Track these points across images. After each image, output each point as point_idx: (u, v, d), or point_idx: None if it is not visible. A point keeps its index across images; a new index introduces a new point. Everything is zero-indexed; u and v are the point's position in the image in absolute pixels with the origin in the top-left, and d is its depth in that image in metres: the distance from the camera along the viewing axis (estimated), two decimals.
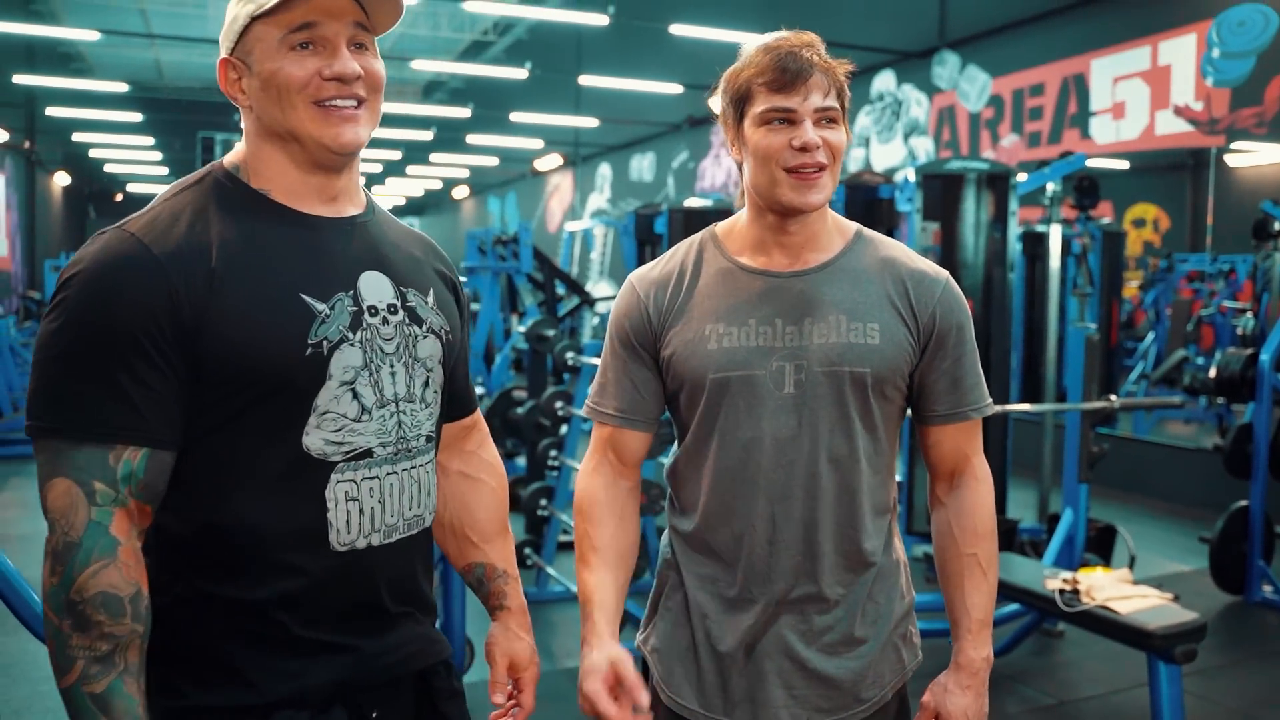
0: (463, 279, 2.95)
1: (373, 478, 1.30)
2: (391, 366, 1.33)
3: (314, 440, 1.25)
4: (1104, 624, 3.16)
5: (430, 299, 1.42)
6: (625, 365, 1.60)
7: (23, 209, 22.01)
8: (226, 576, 1.24)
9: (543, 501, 4.94)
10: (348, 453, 1.28)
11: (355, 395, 1.28)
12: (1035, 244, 6.91)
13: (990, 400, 1.59)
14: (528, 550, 5.04)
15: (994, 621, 3.86)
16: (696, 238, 1.63)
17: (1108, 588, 3.33)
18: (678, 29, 11.90)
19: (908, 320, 1.52)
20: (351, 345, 1.28)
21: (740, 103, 1.50)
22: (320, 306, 1.26)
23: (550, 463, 4.98)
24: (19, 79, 16.78)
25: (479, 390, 7.71)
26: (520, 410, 5.79)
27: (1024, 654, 4.27)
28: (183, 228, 1.23)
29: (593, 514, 1.61)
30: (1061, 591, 3.35)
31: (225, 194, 1.29)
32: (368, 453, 1.30)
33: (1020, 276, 8.19)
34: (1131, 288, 9.40)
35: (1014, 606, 3.93)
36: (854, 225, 1.60)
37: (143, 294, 1.17)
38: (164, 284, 1.18)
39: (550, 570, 4.81)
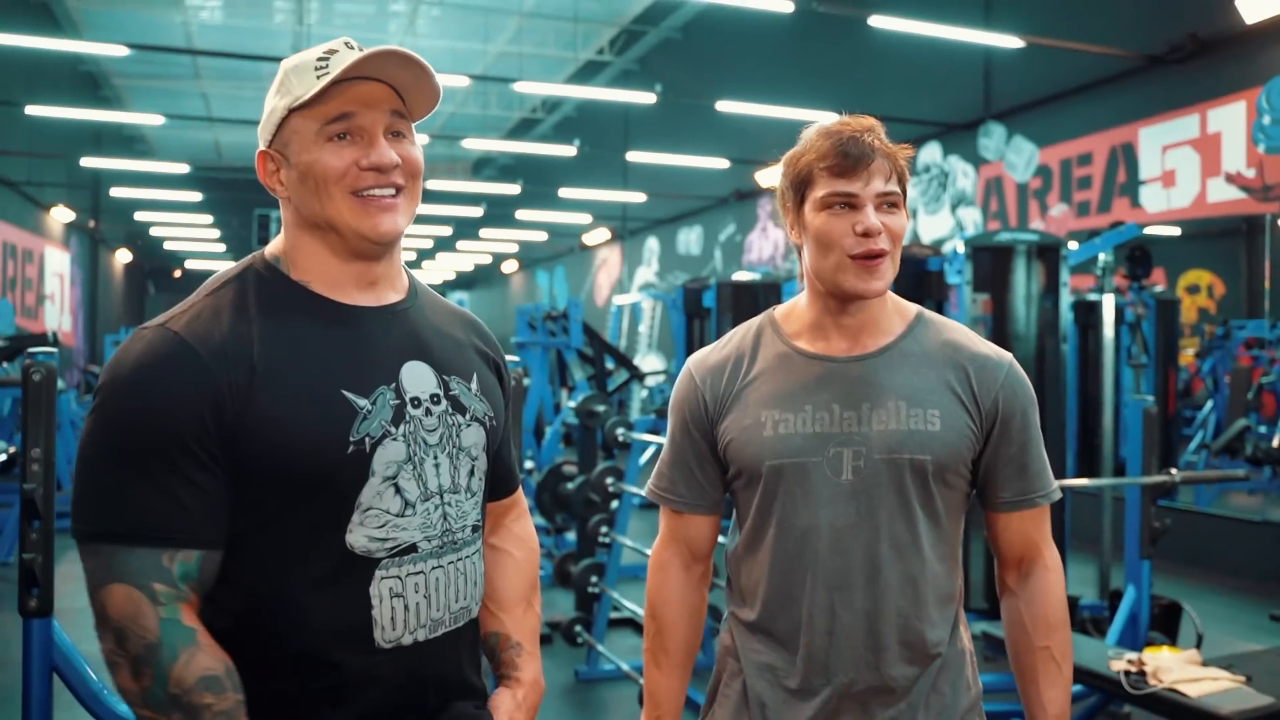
0: (513, 357, 2.97)
1: (418, 573, 1.28)
2: (435, 458, 1.31)
3: (357, 538, 1.24)
4: (1173, 708, 3.06)
5: (474, 385, 1.40)
6: (685, 451, 1.61)
7: (86, 286, 22.64)
8: (270, 672, 1.22)
9: (593, 578, 4.91)
10: (392, 549, 1.26)
11: (398, 490, 1.26)
12: (1088, 314, 6.85)
13: (1057, 486, 1.56)
14: (578, 628, 5.00)
15: None
16: (756, 321, 1.63)
17: (1176, 669, 3.24)
18: (724, 105, 12.07)
19: (969, 406, 1.50)
20: (395, 440, 1.26)
21: (801, 186, 1.50)
22: (362, 403, 1.25)
23: (601, 539, 4.95)
24: (86, 162, 17.40)
25: (529, 464, 7.73)
26: (570, 485, 5.78)
27: None
28: (225, 325, 1.22)
29: (665, 616, 1.63)
30: (1128, 673, 3.25)
31: (265, 287, 1.28)
32: (412, 548, 1.28)
33: (1073, 347, 8.11)
34: (1188, 355, 9.25)
35: (1077, 688, 3.82)
36: (915, 307, 1.59)
37: (189, 393, 1.17)
38: (209, 383, 1.17)
39: (600, 648, 4.76)
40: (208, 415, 1.17)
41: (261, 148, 1.31)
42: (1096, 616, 5.19)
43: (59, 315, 19.79)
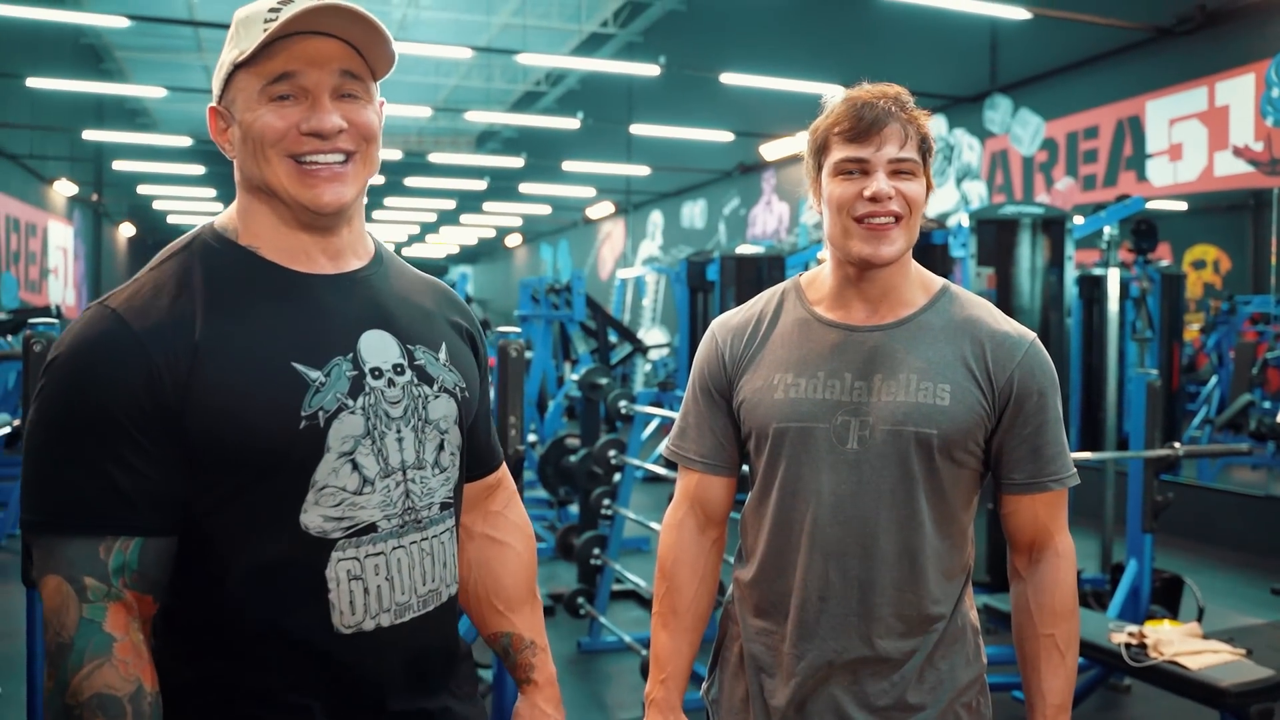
0: (514, 328, 2.95)
1: (377, 554, 1.20)
2: (398, 431, 1.23)
3: (312, 518, 1.16)
4: (1173, 680, 3.07)
5: (442, 354, 1.31)
6: (705, 411, 1.61)
7: (89, 259, 22.64)
8: (233, 661, 1.17)
9: (595, 550, 4.92)
10: (349, 529, 1.18)
11: (356, 466, 1.18)
12: (1092, 288, 6.82)
13: (1075, 471, 1.53)
14: (580, 599, 5.02)
15: None
16: (781, 286, 1.62)
17: (1176, 642, 3.24)
18: (728, 77, 11.99)
19: (982, 383, 1.47)
20: (352, 413, 1.18)
21: (819, 153, 1.49)
22: (314, 374, 1.17)
23: (603, 511, 4.97)
24: (88, 135, 17.35)
25: (531, 437, 7.73)
26: (573, 458, 5.79)
27: (1090, 710, 4.15)
28: (165, 299, 1.15)
29: (677, 575, 1.61)
30: (1128, 646, 3.26)
31: (212, 257, 1.20)
32: (371, 527, 1.19)
33: (1077, 321, 8.08)
34: (1192, 331, 9.22)
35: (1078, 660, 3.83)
36: (941, 281, 1.56)
37: (120, 373, 1.09)
38: (143, 362, 1.10)
39: (604, 620, 4.78)
40: (143, 395, 1.09)
41: (212, 104, 1.23)
42: (1098, 590, 5.20)
43: (63, 289, 19.81)
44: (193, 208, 27.47)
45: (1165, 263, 8.77)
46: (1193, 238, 9.15)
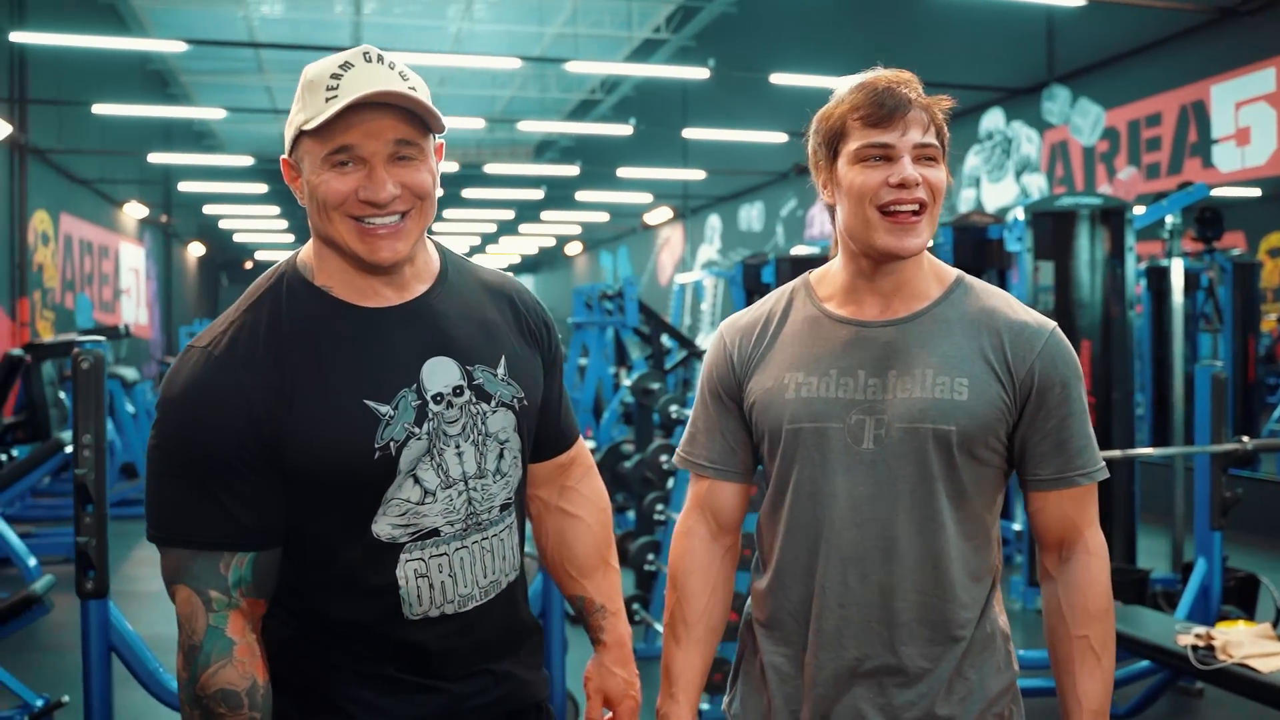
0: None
1: (440, 555, 1.38)
2: (458, 447, 1.38)
3: (382, 527, 1.34)
4: (1244, 683, 2.97)
5: (501, 369, 1.44)
6: (714, 415, 1.57)
7: (160, 279, 23.22)
8: (321, 636, 1.39)
9: (650, 556, 4.91)
10: (414, 534, 1.36)
11: (417, 480, 1.35)
12: (1161, 279, 6.63)
13: (1103, 464, 1.46)
14: (635, 605, 5.00)
15: (1122, 680, 3.65)
16: (790, 284, 1.58)
17: (1247, 644, 3.13)
18: (778, 78, 11.91)
19: (1002, 375, 1.41)
20: (418, 439, 1.34)
21: (834, 141, 1.43)
22: (383, 409, 1.33)
23: (657, 516, 4.94)
24: (156, 157, 17.79)
25: (589, 445, 7.74)
26: (628, 464, 5.78)
27: (1159, 714, 4.02)
28: (261, 347, 1.31)
29: (687, 585, 1.58)
30: (1195, 648, 3.16)
31: (294, 298, 1.35)
32: (434, 532, 1.37)
33: (1147, 314, 7.86)
34: (1270, 321, 8.92)
35: (1144, 664, 3.72)
36: (955, 272, 1.51)
37: (225, 419, 1.27)
38: (244, 407, 1.28)
39: (658, 626, 4.75)
40: (247, 434, 1.28)
41: (284, 155, 1.37)
42: (1169, 590, 5.06)
43: (135, 309, 20.31)
44: (257, 225, 28.04)
45: (1238, 251, 8.50)
46: (1269, 225, 8.84)
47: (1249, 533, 6.54)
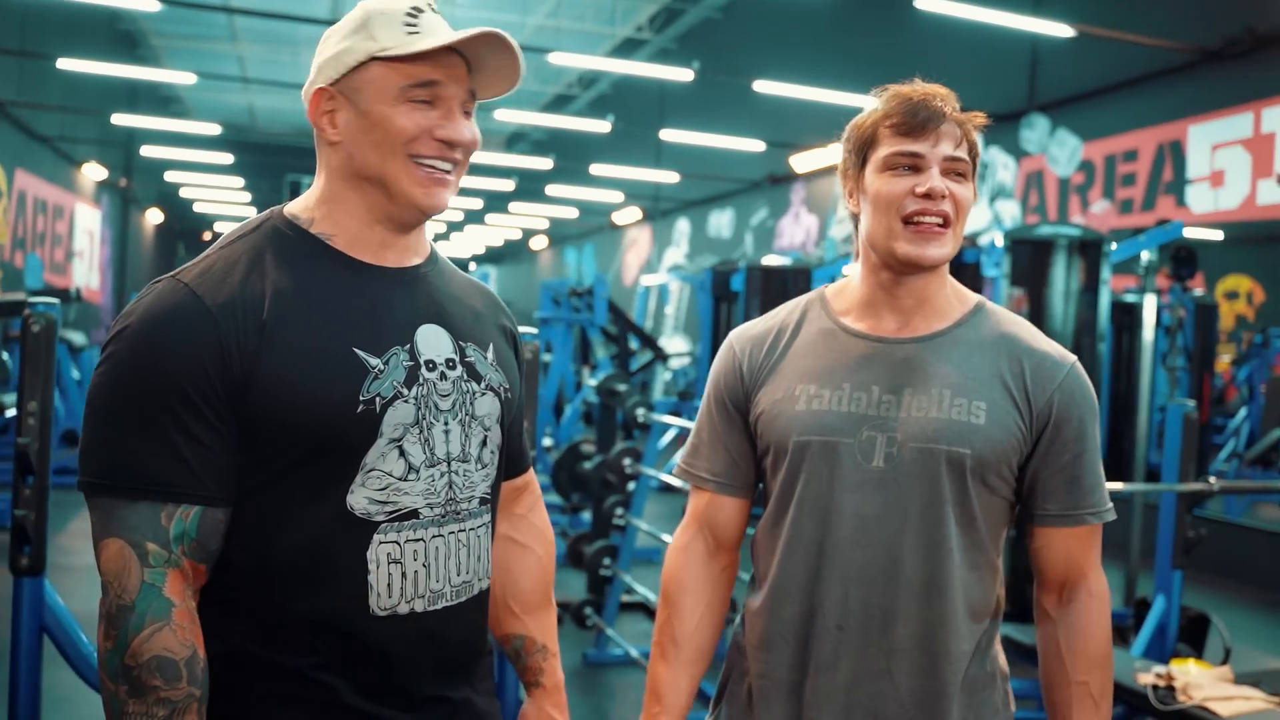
0: (534, 330, 2.88)
1: (417, 540, 1.24)
2: (446, 424, 1.27)
3: (358, 499, 1.20)
4: None
5: (490, 354, 1.36)
6: (719, 427, 1.52)
7: (116, 244, 22.76)
8: (265, 636, 1.19)
9: (606, 560, 4.82)
10: (391, 513, 1.22)
11: (402, 453, 1.22)
12: (1124, 314, 6.68)
13: (1111, 506, 1.43)
14: (588, 610, 4.91)
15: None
16: (805, 297, 1.54)
17: (1207, 686, 3.11)
18: (761, 85, 11.88)
19: (1020, 403, 1.37)
20: (406, 402, 1.23)
21: (864, 148, 1.41)
22: (374, 361, 1.21)
23: (616, 520, 4.86)
24: (118, 119, 17.38)
25: (547, 441, 7.63)
26: (588, 465, 5.69)
27: None
28: (237, 278, 1.19)
29: (680, 603, 1.52)
30: (1155, 688, 3.13)
31: (283, 241, 1.25)
32: (413, 513, 1.23)
33: (1108, 348, 7.92)
34: (1224, 362, 9.04)
35: None
36: (976, 297, 1.48)
37: (193, 347, 1.14)
38: (214, 336, 1.14)
39: (610, 632, 4.67)
40: (213, 370, 1.14)
41: (322, 84, 1.25)
42: (1120, 625, 5.06)
43: (88, 272, 19.90)
44: (219, 196, 27.56)
45: (1199, 292, 8.61)
46: (1226, 267, 8.98)
47: (1195, 570, 6.59)
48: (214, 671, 1.18)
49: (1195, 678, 3.17)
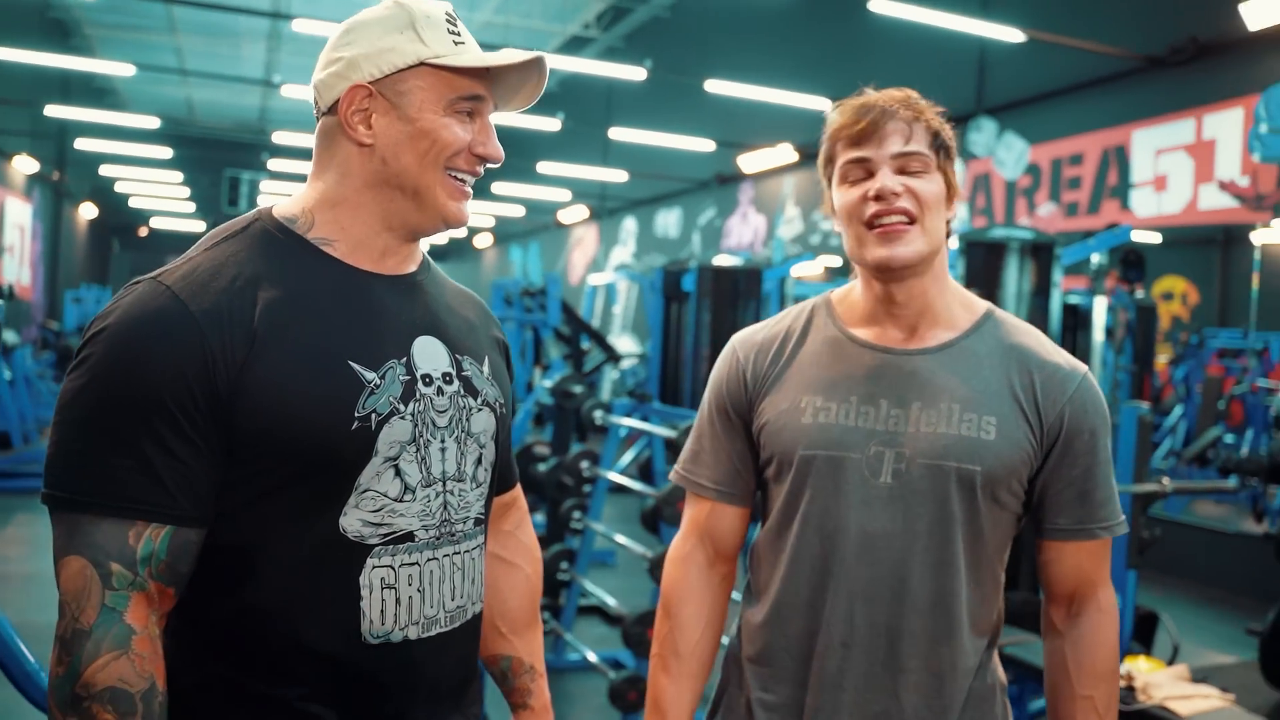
0: None
1: (412, 564, 1.17)
2: (442, 441, 1.20)
3: (351, 521, 1.13)
4: None
5: (485, 368, 1.31)
6: (721, 435, 1.48)
7: (48, 239, 22.16)
8: (249, 664, 1.12)
9: (563, 564, 4.76)
10: (386, 536, 1.15)
11: (399, 472, 1.16)
12: (1071, 316, 6.77)
13: (1124, 519, 1.41)
14: (545, 615, 4.84)
15: (1036, 713, 3.65)
16: (810, 302, 1.51)
17: (1166, 686, 3.14)
18: (712, 85, 11.87)
19: (1030, 416, 1.35)
20: (402, 418, 1.16)
21: (828, 165, 1.40)
22: (370, 375, 1.15)
23: (573, 524, 4.80)
24: (51, 110, 16.88)
25: None
26: (542, 467, 5.62)
27: None
28: (224, 282, 1.11)
29: (681, 614, 1.48)
30: None
31: (274, 245, 1.17)
32: (408, 536, 1.17)
33: None
34: (1160, 362, 9.23)
35: None
36: (985, 304, 1.45)
37: (175, 356, 1.06)
38: (199, 345, 1.06)
39: (568, 637, 4.61)
40: (195, 381, 1.06)
41: (360, 80, 1.17)
42: None
43: (18, 268, 19.36)
44: (156, 191, 26.93)
45: (1140, 294, 8.77)
46: (1162, 269, 9.16)
47: (1141, 568, 6.70)
48: (192, 702, 1.11)
49: (1155, 678, 3.20)
